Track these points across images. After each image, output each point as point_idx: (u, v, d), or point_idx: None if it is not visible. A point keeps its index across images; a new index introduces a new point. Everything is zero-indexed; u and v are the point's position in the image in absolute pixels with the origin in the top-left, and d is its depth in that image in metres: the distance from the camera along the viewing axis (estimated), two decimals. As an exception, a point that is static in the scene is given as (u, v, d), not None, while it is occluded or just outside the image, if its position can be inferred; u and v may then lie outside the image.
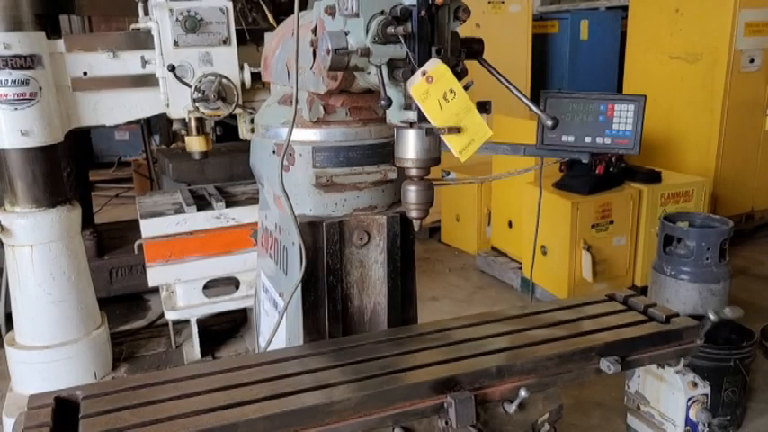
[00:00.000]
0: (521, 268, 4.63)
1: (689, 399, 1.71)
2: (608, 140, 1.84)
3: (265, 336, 2.13)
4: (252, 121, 3.04)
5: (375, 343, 1.60)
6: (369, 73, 1.41)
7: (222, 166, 4.63)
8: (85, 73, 2.83)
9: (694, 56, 5.19)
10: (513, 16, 5.89)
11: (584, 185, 3.96)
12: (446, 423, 1.38)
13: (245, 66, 2.93)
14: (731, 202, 5.21)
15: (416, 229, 1.55)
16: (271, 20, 3.29)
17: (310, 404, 1.30)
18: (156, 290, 4.31)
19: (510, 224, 4.80)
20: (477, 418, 1.39)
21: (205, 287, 3.17)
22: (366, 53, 1.28)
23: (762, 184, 5.41)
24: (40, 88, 2.66)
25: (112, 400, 1.32)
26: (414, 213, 1.49)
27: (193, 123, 2.97)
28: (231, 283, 3.30)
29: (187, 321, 3.48)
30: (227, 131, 6.20)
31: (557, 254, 4.14)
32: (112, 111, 2.92)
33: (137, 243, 2.94)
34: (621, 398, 1.96)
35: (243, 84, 2.94)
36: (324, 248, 1.79)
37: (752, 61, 5.07)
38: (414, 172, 1.44)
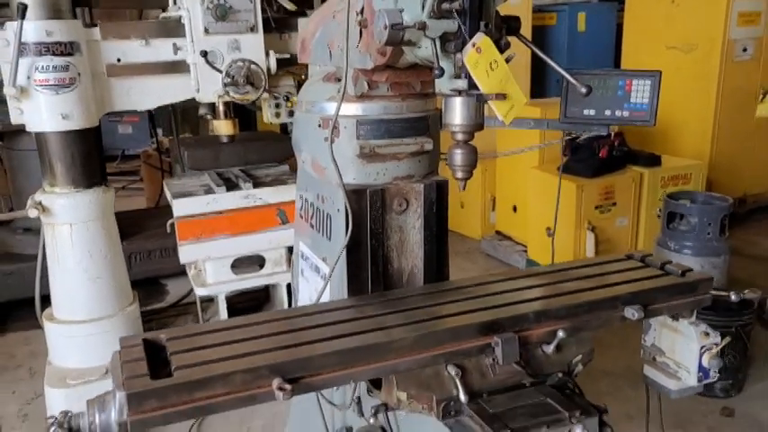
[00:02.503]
0: (526, 251, 4.80)
1: (701, 347, 1.87)
2: (626, 113, 2.00)
3: (304, 302, 2.28)
4: (277, 105, 3.20)
5: (420, 295, 1.75)
6: (419, 47, 1.56)
7: (236, 154, 4.74)
8: (119, 60, 2.97)
9: (689, 46, 5.38)
10: (514, 9, 6.06)
11: (589, 169, 4.14)
12: (493, 360, 1.54)
13: (271, 53, 3.08)
14: (725, 187, 5.39)
15: (461, 189, 1.70)
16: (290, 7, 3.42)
17: (373, 342, 1.46)
18: (172, 275, 4.46)
19: (515, 209, 4.97)
20: (520, 357, 1.55)
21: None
22: (423, 27, 1.44)
23: (754, 169, 5.61)
24: (79, 74, 2.80)
25: (194, 341, 1.47)
26: (459, 174, 1.64)
27: (221, 108, 3.11)
28: (255, 263, 3.45)
29: (211, 300, 3.64)
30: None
31: (561, 235, 4.31)
32: (144, 96, 3.05)
33: (169, 222, 3.08)
34: (627, 366, 2.13)
35: (268, 70, 3.09)
36: (367, 214, 1.94)
37: (744, 50, 5.26)
38: (460, 136, 1.60)
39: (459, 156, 1.62)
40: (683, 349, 1.91)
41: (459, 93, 1.52)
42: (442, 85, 1.54)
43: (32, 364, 3.57)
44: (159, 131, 8.11)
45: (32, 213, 2.82)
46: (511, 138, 4.55)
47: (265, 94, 3.08)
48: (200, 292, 3.23)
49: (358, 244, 1.98)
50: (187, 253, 3.10)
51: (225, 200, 3.08)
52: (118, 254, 3.10)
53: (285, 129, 6.92)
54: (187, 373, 1.32)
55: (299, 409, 2.49)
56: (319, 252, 2.16)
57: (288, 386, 1.34)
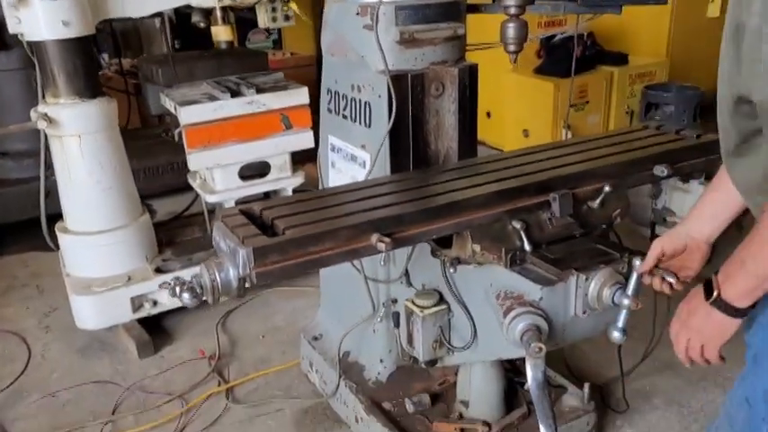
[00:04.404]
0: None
1: (710, 204, 2.11)
2: (640, -6, 2.15)
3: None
4: (273, 9, 3.20)
5: (475, 165, 1.91)
6: None
7: (210, 68, 4.66)
8: (110, -40, 2.88)
9: (647, -52, 5.52)
10: None
11: (564, 69, 4.31)
12: (550, 215, 1.73)
13: (267, -47, 3.05)
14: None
15: (513, 62, 1.83)
16: None
17: (453, 200, 1.62)
18: (155, 194, 4.47)
19: (488, 114, 5.13)
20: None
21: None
22: None
23: (709, 67, 5.88)
24: (74, -23, 2.71)
25: (290, 208, 1.59)
26: (511, 48, 1.78)
27: (219, 13, 3.09)
28: (255, 171, 3.49)
29: (212, 211, 3.70)
30: (185, 42, 6.18)
31: (538, 135, 4.53)
32: (140, 1, 2.98)
33: (176, 130, 3.09)
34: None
35: (265, -29, 3.06)
36: (409, 98, 2.06)
37: (698, -49, 5.44)
38: (513, 10, 1.72)
39: (512, 29, 1.75)
40: (693, 207, 2.14)
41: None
42: (500, -40, 1.65)
43: (38, 282, 3.58)
44: (105, 56, 7.80)
45: (41, 125, 2.78)
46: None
47: (263, -3, 3.07)
48: (209, 199, 3.28)
49: (399, 128, 2.10)
50: (196, 161, 3.13)
51: (230, 106, 3.09)
52: (125, 165, 3.11)
53: (243, 44, 6.78)
54: (298, 230, 1.45)
55: (332, 291, 2.65)
56: (356, 141, 2.26)
57: (387, 239, 1.48)
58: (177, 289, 1.42)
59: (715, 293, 1.25)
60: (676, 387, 2.57)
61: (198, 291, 1.41)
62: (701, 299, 1.28)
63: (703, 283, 1.30)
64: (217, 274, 1.43)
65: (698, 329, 1.30)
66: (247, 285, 1.45)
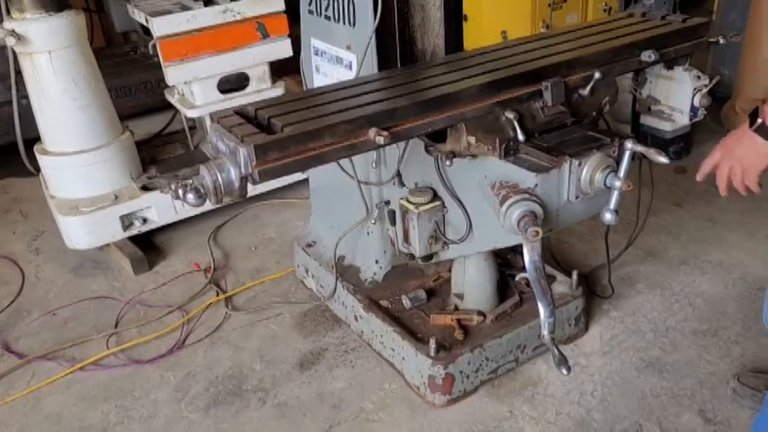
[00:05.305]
0: (479, 58, 4.96)
1: (694, 89, 2.14)
2: None
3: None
4: None
5: (463, 59, 1.90)
6: None
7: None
8: None
9: None
10: None
11: (542, -35, 4.20)
12: (542, 105, 1.74)
13: None
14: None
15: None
16: None
17: (445, 93, 1.62)
18: (129, 116, 4.37)
19: (465, 18, 5.02)
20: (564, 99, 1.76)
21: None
22: None
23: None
24: None
25: (284, 107, 1.58)
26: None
27: None
28: (234, 85, 3.42)
29: (193, 128, 3.65)
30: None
31: (518, 35, 4.45)
32: None
33: (151, 43, 2.99)
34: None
35: None
36: (394, -7, 2.01)
37: None
38: None
39: None
40: (678, 94, 2.16)
41: None
42: None
43: (20, 207, 3.54)
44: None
45: (9, 42, 2.67)
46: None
47: None
48: (190, 114, 3.22)
49: (385, 25, 2.06)
50: (174, 74, 3.04)
51: (204, 15, 2.98)
52: (100, 81, 3.02)
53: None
54: (296, 128, 1.44)
55: (323, 200, 2.68)
56: (340, 42, 2.22)
57: (385, 132, 1.49)
58: (180, 191, 1.42)
59: (759, 121, 1.36)
60: (658, 272, 2.69)
61: (201, 191, 1.41)
62: (746, 127, 1.40)
63: (749, 113, 1.39)
64: (218, 175, 1.43)
65: (740, 156, 1.44)
66: (249, 185, 1.46)
